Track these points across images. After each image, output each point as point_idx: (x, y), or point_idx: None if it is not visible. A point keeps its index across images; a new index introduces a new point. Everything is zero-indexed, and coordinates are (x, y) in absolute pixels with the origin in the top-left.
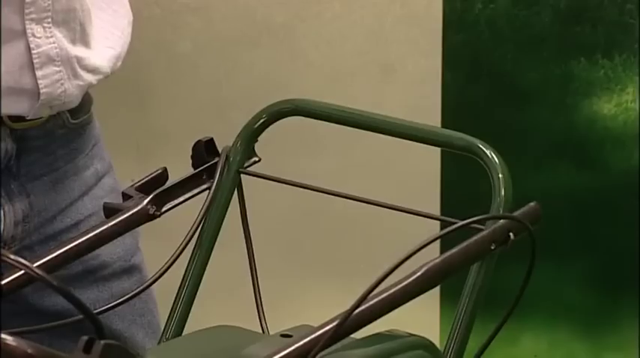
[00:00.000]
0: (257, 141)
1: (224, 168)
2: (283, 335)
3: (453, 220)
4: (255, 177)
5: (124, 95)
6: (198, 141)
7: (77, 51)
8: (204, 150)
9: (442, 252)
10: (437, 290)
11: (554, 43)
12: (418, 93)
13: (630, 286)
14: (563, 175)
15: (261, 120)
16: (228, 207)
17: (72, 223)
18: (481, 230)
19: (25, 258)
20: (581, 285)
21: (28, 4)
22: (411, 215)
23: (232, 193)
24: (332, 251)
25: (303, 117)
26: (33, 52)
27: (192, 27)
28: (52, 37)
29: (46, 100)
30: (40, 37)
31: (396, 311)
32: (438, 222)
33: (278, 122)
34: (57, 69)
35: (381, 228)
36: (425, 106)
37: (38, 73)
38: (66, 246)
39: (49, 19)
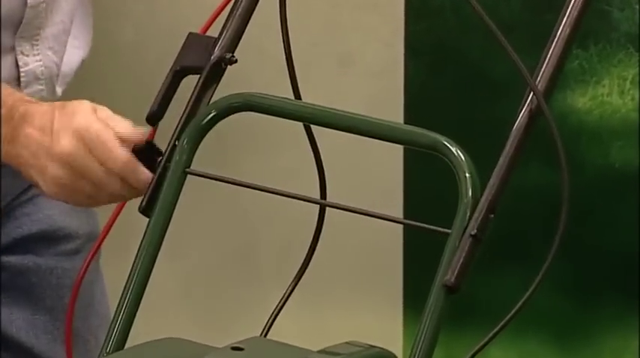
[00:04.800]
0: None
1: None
2: (234, 348)
3: (417, 224)
4: (202, 178)
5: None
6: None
7: (58, 68)
8: (146, 151)
9: (405, 256)
10: (399, 297)
11: (525, 32)
12: (378, 85)
13: (607, 291)
14: (535, 173)
15: (209, 116)
16: (173, 210)
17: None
18: (446, 233)
19: None
20: (553, 291)
21: (23, 24)
22: (371, 217)
23: (178, 195)
24: (288, 257)
25: (253, 113)
26: (21, 69)
27: (134, 13)
28: (38, 54)
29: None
30: (27, 55)
31: (357, 320)
32: (401, 225)
33: (227, 118)
34: (40, 87)
35: (340, 231)
36: (386, 100)
37: (23, 91)
38: None
39: (38, 37)
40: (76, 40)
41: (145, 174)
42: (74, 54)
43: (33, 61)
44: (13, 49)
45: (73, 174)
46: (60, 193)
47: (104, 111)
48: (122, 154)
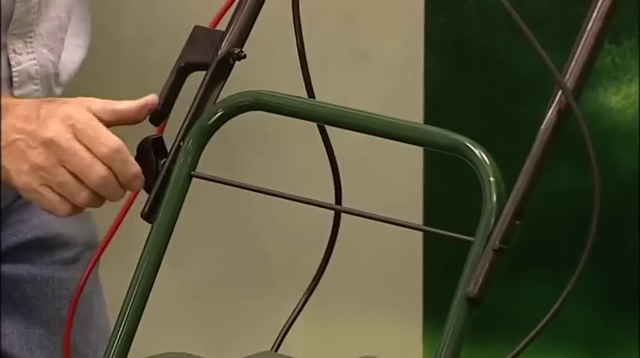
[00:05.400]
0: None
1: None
2: None
3: (438, 231)
4: (207, 181)
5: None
6: (145, 140)
7: (55, 66)
8: (151, 150)
9: (425, 265)
10: (419, 309)
11: (553, 25)
12: (396, 83)
13: None
14: (564, 177)
15: (216, 116)
16: (177, 216)
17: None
18: (469, 241)
19: None
20: (583, 303)
21: (14, 20)
22: (389, 224)
23: (183, 199)
24: (299, 266)
25: (263, 112)
26: (13, 69)
27: (135, 6)
28: (32, 52)
29: None
30: (20, 54)
31: (374, 334)
32: (421, 233)
33: (235, 117)
34: (35, 87)
35: (356, 239)
36: (404, 98)
37: (16, 92)
38: None
39: (32, 34)
40: (76, 38)
41: (135, 167)
42: (75, 53)
43: (26, 59)
44: (4, 47)
45: (54, 159)
46: (32, 183)
47: (98, 100)
48: (113, 140)
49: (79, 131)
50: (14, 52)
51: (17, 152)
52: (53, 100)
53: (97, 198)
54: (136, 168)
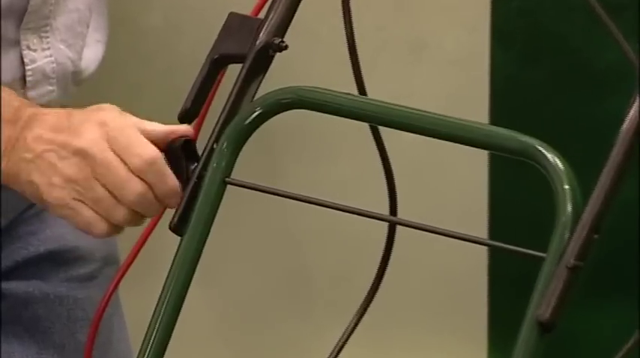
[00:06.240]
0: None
1: (205, 176)
2: None
3: (505, 246)
4: (243, 189)
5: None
6: (173, 142)
7: (75, 64)
8: (182, 155)
9: (491, 285)
10: (483, 334)
11: (636, 14)
12: (458, 77)
13: None
14: None
15: (254, 115)
16: (210, 228)
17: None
18: (540, 258)
19: None
20: None
21: (29, 13)
22: (450, 238)
23: (216, 209)
24: (346, 284)
25: (307, 111)
26: (27, 67)
27: None
28: (48, 48)
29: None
30: (35, 50)
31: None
32: (486, 247)
33: (275, 117)
34: (51, 88)
35: (412, 255)
36: (467, 95)
37: (30, 93)
38: None
39: (48, 28)
40: (97, 33)
41: (172, 181)
42: (96, 49)
43: (42, 56)
44: (17, 43)
45: (88, 170)
46: (65, 198)
47: (131, 117)
48: (147, 150)
49: (112, 139)
50: (28, 48)
51: (46, 164)
52: (84, 108)
53: (136, 216)
54: (172, 181)
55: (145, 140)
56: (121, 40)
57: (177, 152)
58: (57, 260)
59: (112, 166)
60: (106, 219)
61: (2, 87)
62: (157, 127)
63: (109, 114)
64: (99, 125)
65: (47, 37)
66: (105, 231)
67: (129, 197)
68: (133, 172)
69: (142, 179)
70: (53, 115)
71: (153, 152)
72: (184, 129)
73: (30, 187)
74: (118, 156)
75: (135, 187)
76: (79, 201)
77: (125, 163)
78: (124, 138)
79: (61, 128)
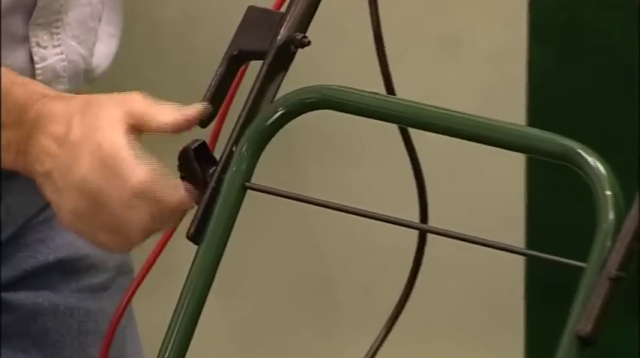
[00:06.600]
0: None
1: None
2: None
3: (543, 255)
4: (264, 194)
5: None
6: (185, 148)
7: (86, 62)
8: (193, 160)
9: (528, 296)
10: (519, 348)
11: None
12: (493, 75)
13: None
14: None
15: (276, 116)
16: (229, 236)
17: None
18: (580, 268)
19: None
20: None
21: (39, 8)
22: (484, 247)
23: (235, 216)
24: (375, 297)
25: (332, 111)
26: (37, 66)
27: None
28: (59, 45)
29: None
30: (45, 47)
31: None
32: (523, 257)
33: (298, 118)
34: (62, 87)
35: (444, 264)
36: (502, 94)
37: None
38: None
39: (59, 23)
40: (110, 26)
41: (172, 196)
42: (109, 43)
43: (52, 54)
44: (26, 39)
45: (92, 204)
46: (77, 225)
47: (139, 104)
48: (136, 176)
49: (107, 167)
50: (38, 45)
51: (54, 187)
52: (85, 114)
53: (153, 232)
54: (174, 196)
55: (136, 162)
56: (135, 34)
57: (189, 157)
58: (67, 269)
59: (109, 200)
60: (124, 242)
61: (9, 70)
62: (171, 114)
63: (107, 133)
64: (95, 150)
65: (58, 34)
66: (125, 249)
67: (135, 227)
68: (133, 196)
69: (145, 198)
70: (55, 123)
71: (141, 176)
72: (194, 110)
73: (47, 197)
74: (114, 181)
75: (137, 213)
76: (90, 228)
77: (123, 189)
78: (117, 163)
79: (62, 140)
